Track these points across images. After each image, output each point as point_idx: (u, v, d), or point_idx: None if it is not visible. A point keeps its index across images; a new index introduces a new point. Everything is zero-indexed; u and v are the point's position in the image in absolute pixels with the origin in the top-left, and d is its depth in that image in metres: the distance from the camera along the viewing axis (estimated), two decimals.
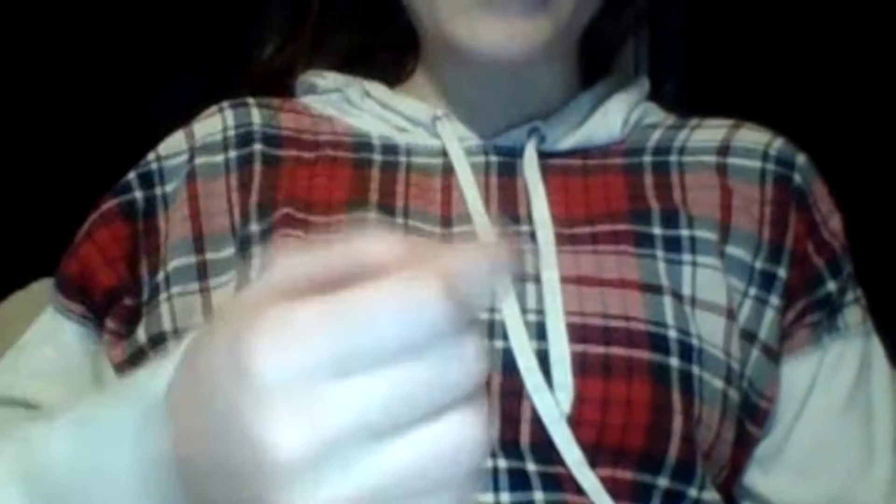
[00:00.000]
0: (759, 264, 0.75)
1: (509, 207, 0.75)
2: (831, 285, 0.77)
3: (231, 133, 0.79)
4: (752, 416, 0.74)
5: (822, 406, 0.76)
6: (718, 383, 0.70)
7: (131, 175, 0.80)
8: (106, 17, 1.36)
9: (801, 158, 0.78)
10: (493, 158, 0.77)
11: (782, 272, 0.75)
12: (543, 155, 0.77)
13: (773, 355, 0.74)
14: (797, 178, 0.77)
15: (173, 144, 0.80)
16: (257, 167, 0.77)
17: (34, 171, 1.38)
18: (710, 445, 0.70)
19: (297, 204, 0.74)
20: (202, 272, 0.75)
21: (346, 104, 0.82)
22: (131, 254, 0.77)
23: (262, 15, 0.87)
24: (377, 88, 0.82)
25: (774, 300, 0.74)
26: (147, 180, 0.79)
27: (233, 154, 0.78)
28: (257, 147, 0.78)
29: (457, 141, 0.77)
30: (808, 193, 0.77)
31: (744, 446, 0.74)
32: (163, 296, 0.75)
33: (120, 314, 0.77)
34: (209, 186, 0.77)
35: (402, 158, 0.78)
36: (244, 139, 0.79)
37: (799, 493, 0.76)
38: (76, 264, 0.78)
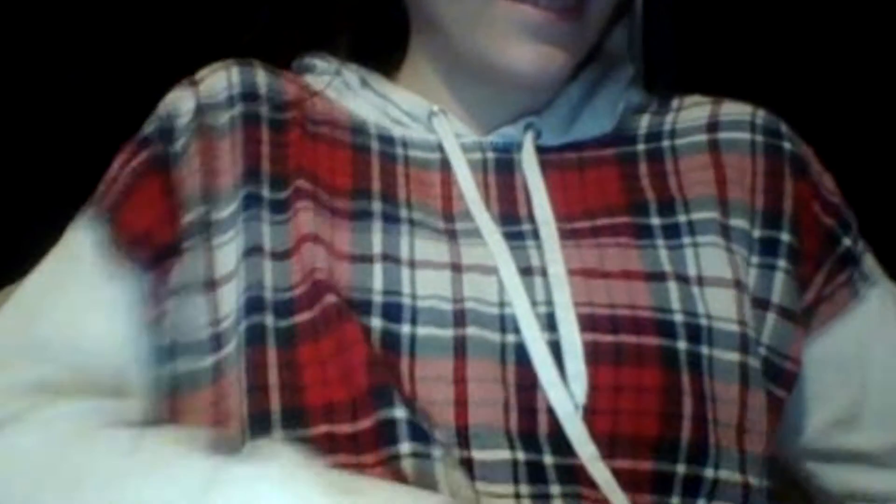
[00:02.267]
0: (756, 232, 0.76)
1: (509, 204, 0.76)
2: (847, 240, 0.80)
3: (236, 91, 0.79)
4: (776, 380, 0.75)
5: (884, 350, 0.80)
6: (733, 356, 0.72)
7: (148, 129, 0.79)
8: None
9: (784, 126, 0.81)
10: (490, 155, 0.78)
11: (784, 236, 0.77)
12: (539, 150, 0.78)
13: (792, 317, 0.76)
14: (787, 145, 0.80)
15: (180, 103, 0.79)
16: (265, 132, 0.77)
17: (25, 170, 1.38)
18: (740, 417, 0.71)
19: (305, 175, 0.75)
20: (206, 231, 0.75)
21: (345, 88, 0.82)
22: (171, 208, 0.76)
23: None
24: (374, 78, 0.83)
25: (782, 263, 0.76)
26: (163, 136, 0.78)
27: (237, 111, 0.78)
28: (263, 109, 0.78)
29: (453, 137, 0.78)
30: (801, 158, 0.80)
31: (773, 411, 0.75)
32: (175, 255, 0.75)
33: (162, 272, 0.75)
34: (214, 146, 0.77)
35: (400, 150, 0.78)
36: (249, 98, 0.79)
37: (891, 437, 0.79)
38: (128, 226, 0.76)
